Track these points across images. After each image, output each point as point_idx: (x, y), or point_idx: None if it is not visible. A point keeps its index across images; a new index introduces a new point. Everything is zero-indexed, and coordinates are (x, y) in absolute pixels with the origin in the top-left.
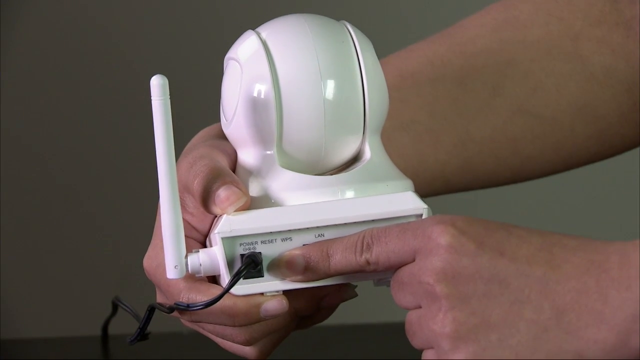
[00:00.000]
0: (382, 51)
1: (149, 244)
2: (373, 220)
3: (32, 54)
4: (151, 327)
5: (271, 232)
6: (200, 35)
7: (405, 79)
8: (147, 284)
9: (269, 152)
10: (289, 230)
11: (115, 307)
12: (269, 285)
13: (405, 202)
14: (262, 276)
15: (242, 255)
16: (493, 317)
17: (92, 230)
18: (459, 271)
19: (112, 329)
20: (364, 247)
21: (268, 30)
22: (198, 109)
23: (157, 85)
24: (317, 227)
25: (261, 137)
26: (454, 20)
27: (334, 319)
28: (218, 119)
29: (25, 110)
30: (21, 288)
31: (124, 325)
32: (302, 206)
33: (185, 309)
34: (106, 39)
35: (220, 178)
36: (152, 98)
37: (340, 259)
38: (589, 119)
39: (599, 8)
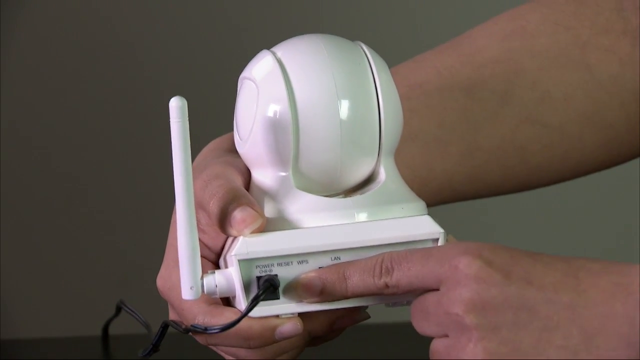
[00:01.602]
0: (390, 62)
1: (151, 244)
2: (390, 244)
3: (33, 54)
4: (153, 328)
5: (288, 255)
6: (209, 47)
7: (414, 89)
8: (149, 285)
9: (284, 173)
10: (306, 253)
11: (118, 310)
12: (285, 307)
13: (421, 226)
14: (278, 298)
15: (258, 278)
16: (523, 345)
17: (93, 231)
18: (488, 301)
19: (113, 330)
20: (383, 271)
21: (283, 50)
22: (207, 118)
23: (176, 107)
24: (334, 250)
25: (277, 158)
26: (462, 30)
27: None
28: (226, 129)
29: (27, 110)
30: (21, 288)
31: (125, 326)
32: (318, 229)
33: (202, 331)
34: (116, 47)
35: (236, 199)
36: (170, 120)
37: (358, 281)
38: (596, 127)
39: (605, 17)
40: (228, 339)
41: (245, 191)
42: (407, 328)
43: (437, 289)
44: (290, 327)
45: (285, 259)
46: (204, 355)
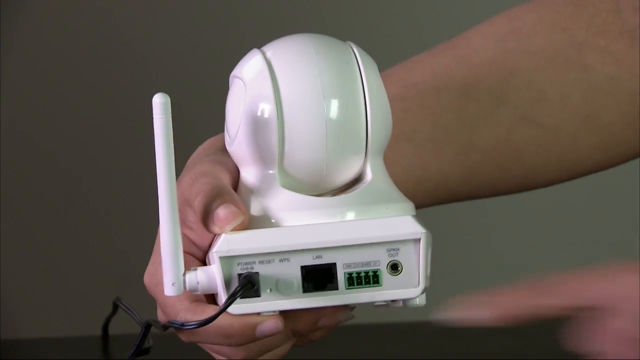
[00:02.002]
0: (387, 63)
1: (150, 244)
2: (370, 244)
3: (33, 53)
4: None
5: (269, 253)
6: (206, 45)
7: (409, 89)
8: None
9: (270, 172)
10: (287, 251)
11: (115, 307)
12: (265, 305)
13: (403, 226)
14: (259, 296)
15: (239, 275)
16: None
17: (92, 230)
18: None
19: (113, 329)
20: (549, 290)
21: (273, 49)
22: (202, 117)
23: (159, 103)
24: (315, 248)
25: (263, 156)
26: (458, 31)
27: None
28: (221, 129)
29: (27, 109)
30: (21, 288)
31: (125, 325)
32: (300, 227)
33: (179, 327)
34: (112, 46)
35: (220, 197)
36: (153, 116)
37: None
38: (592, 128)
39: (602, 18)
40: (209, 336)
41: (230, 189)
42: (407, 328)
43: (610, 309)
44: (270, 325)
45: (266, 256)
46: (205, 356)
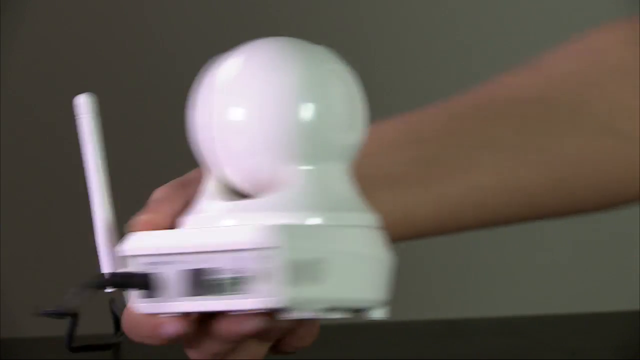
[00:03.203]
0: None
1: None
2: (233, 250)
3: (34, 53)
4: None
5: (152, 254)
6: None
7: (484, 100)
8: None
9: (212, 174)
10: (166, 254)
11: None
12: (164, 306)
13: (258, 234)
14: (159, 297)
15: (141, 274)
16: None
17: (93, 229)
18: None
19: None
20: None
21: (235, 53)
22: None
23: (83, 103)
24: (186, 252)
25: (204, 158)
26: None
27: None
28: None
29: (27, 108)
30: (21, 287)
31: None
32: (187, 230)
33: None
34: (120, 48)
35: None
36: (78, 116)
37: None
38: None
39: None
40: (142, 335)
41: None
42: (407, 327)
43: None
44: (170, 327)
45: (151, 258)
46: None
